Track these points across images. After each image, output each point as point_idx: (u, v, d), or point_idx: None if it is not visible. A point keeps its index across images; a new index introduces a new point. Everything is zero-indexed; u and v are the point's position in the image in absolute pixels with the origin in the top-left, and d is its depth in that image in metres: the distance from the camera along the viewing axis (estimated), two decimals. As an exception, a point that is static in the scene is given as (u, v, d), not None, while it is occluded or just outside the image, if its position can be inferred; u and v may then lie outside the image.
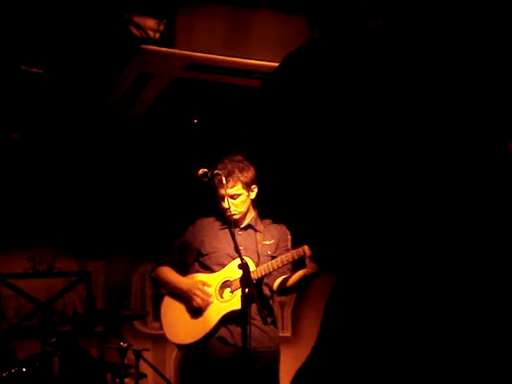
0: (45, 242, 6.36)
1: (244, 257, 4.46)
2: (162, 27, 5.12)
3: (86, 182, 6.45)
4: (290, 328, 7.15)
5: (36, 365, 4.82)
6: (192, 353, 4.57)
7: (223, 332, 4.49)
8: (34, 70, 5.53)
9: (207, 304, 4.52)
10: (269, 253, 4.57)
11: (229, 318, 4.47)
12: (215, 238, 4.66)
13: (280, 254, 4.58)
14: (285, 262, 4.42)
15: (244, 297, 4.09)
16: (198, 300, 4.52)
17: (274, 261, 4.46)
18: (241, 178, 4.55)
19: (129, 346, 5.14)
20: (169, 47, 5.10)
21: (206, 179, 4.36)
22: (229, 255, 4.59)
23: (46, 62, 5.52)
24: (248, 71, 5.36)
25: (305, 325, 7.16)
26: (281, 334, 7.00)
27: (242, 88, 5.61)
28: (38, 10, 4.95)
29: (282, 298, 7.05)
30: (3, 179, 6.21)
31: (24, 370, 4.73)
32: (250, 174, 4.56)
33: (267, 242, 4.62)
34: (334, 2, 4.96)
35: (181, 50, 5.10)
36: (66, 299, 6.16)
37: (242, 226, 4.70)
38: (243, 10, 5.25)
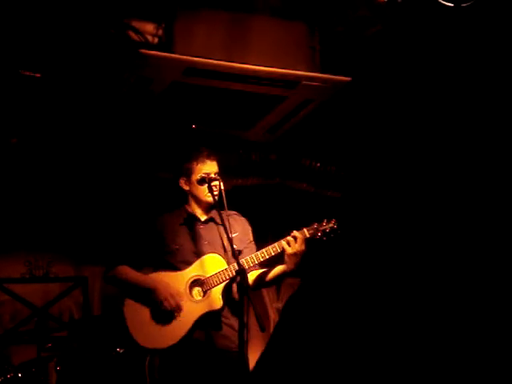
0: (41, 246, 6.34)
1: (213, 254, 4.42)
2: (160, 32, 5.12)
3: (83, 186, 6.43)
4: (287, 335, 7.11)
5: (32, 370, 4.80)
6: (169, 357, 4.35)
7: (197, 333, 4.34)
8: (33, 75, 5.53)
9: (179, 307, 4.33)
10: (235, 247, 4.32)
11: (204, 320, 4.33)
12: (176, 234, 4.50)
13: (246, 248, 4.50)
14: (267, 257, 4.34)
15: (240, 303, 4.05)
16: (171, 301, 4.30)
17: (255, 255, 4.35)
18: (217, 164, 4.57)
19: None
20: (167, 52, 5.09)
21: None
22: (193, 252, 4.45)
23: (45, 67, 5.51)
24: (246, 76, 5.35)
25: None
26: (278, 341, 7.04)
27: (241, 93, 5.60)
28: (37, 13, 4.94)
29: (279, 305, 7.04)
30: (1, 183, 6.19)
31: (20, 375, 4.72)
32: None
33: (230, 235, 4.33)
34: (333, 8, 4.95)
35: (179, 54, 5.09)
36: (62, 304, 6.13)
37: (203, 220, 4.57)
38: (242, 15, 5.24)
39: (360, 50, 5.61)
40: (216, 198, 4.41)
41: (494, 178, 6.04)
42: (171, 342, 4.31)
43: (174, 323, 4.33)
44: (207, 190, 4.44)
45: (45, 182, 6.32)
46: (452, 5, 4.63)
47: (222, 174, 4.54)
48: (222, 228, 4.40)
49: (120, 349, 5.09)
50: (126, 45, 5.05)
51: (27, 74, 5.52)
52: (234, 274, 4.28)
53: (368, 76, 5.78)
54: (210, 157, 4.54)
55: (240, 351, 3.99)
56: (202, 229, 4.53)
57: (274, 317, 7.04)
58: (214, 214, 4.56)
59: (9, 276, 5.87)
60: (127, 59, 5.09)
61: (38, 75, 5.55)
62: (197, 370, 4.33)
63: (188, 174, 4.54)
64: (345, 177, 6.97)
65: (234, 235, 4.36)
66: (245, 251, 4.50)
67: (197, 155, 4.54)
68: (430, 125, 6.30)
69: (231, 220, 4.38)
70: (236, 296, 4.40)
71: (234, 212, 4.59)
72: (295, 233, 4.35)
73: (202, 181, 4.47)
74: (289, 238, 4.34)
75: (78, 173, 6.37)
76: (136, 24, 5.10)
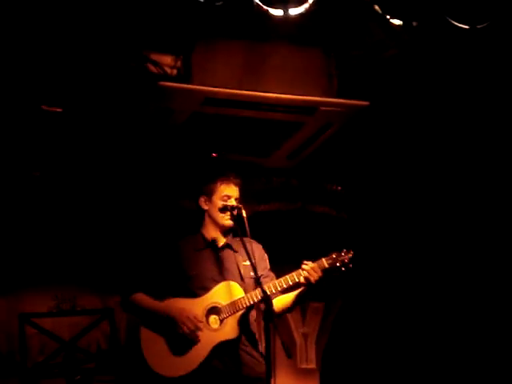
0: (68, 280, 6.36)
1: (230, 281, 4.35)
2: (178, 63, 5.16)
3: (107, 218, 6.46)
4: (314, 359, 7.09)
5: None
6: None
7: (214, 361, 4.28)
8: (54, 110, 5.59)
9: (198, 330, 4.27)
10: (251, 274, 4.32)
11: (221, 348, 4.27)
12: (193, 260, 4.45)
13: (265, 276, 4.41)
14: (287, 286, 4.30)
15: (266, 331, 4.04)
16: (188, 324, 4.24)
17: (278, 282, 4.29)
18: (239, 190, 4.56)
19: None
20: (186, 83, 5.14)
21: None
22: (212, 278, 4.39)
23: (66, 101, 5.57)
24: (265, 104, 5.38)
25: (329, 356, 7.11)
26: (305, 366, 7.02)
27: (260, 120, 5.63)
28: (58, 49, 5.00)
29: (305, 330, 7.02)
30: (25, 217, 6.24)
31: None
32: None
33: (247, 263, 4.35)
34: (349, 32, 4.99)
35: (198, 85, 5.14)
36: (90, 336, 6.14)
37: (220, 246, 4.53)
38: (258, 43, 5.28)
39: (377, 74, 5.63)
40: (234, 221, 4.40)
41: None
42: (189, 369, 4.25)
43: (191, 351, 4.27)
44: (229, 216, 4.44)
45: (68, 215, 6.35)
46: (467, 27, 4.64)
47: (244, 200, 4.56)
48: (237, 255, 4.42)
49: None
50: (145, 78, 5.10)
51: (49, 109, 5.58)
52: (259, 300, 4.23)
53: (386, 99, 5.80)
54: (234, 180, 4.54)
55: (267, 378, 3.98)
56: (219, 255, 4.49)
57: (299, 342, 7.02)
58: (230, 239, 4.54)
59: (37, 310, 5.89)
60: (147, 92, 5.14)
61: (59, 110, 5.61)
62: None
63: (209, 193, 4.52)
64: (351, 197, 6.98)
65: (249, 263, 4.32)
66: (261, 280, 4.35)
67: (221, 176, 4.54)
68: (448, 147, 6.30)
69: (248, 247, 4.34)
70: (253, 324, 4.44)
71: (249, 238, 4.49)
72: (314, 265, 4.29)
73: (223, 209, 4.45)
74: (308, 268, 4.28)
75: (101, 205, 6.41)
76: (155, 57, 5.16)
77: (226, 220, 4.46)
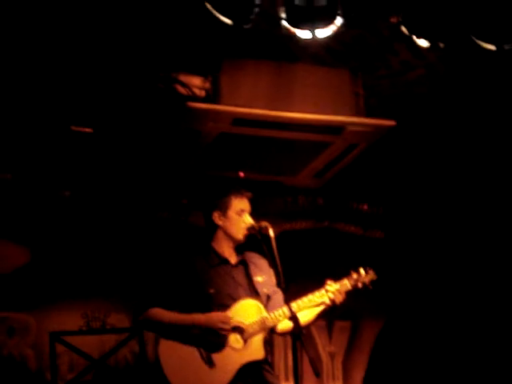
0: (97, 297, 6.40)
1: (250, 299, 4.25)
2: (207, 85, 5.20)
3: (136, 236, 6.50)
4: (340, 378, 7.08)
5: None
6: None
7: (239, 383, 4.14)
8: (84, 130, 5.65)
9: (240, 328, 4.15)
10: (265, 291, 4.26)
11: (246, 369, 4.15)
12: (210, 277, 4.29)
13: (274, 293, 4.31)
14: (313, 303, 4.25)
15: (293, 349, 4.04)
16: (228, 322, 4.12)
17: (301, 301, 4.21)
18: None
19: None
20: (214, 103, 5.18)
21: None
22: (230, 296, 4.25)
23: (95, 122, 5.63)
24: (292, 124, 5.41)
25: (355, 374, 7.09)
26: (332, 385, 7.02)
27: (287, 140, 5.66)
28: (89, 70, 5.06)
29: (332, 349, 7.02)
30: (55, 236, 6.30)
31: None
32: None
33: (259, 279, 4.28)
34: (375, 53, 5.02)
35: (226, 105, 5.18)
36: (119, 354, 6.17)
37: (233, 263, 4.40)
38: (286, 64, 5.31)
39: (404, 94, 5.65)
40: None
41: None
42: None
43: (215, 372, 4.11)
44: (242, 230, 4.34)
45: (98, 234, 6.40)
46: (494, 48, 4.64)
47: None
48: (250, 271, 4.32)
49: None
50: (174, 99, 5.15)
51: (78, 129, 5.65)
52: (286, 318, 4.14)
53: (413, 119, 5.81)
54: (246, 194, 4.44)
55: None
56: (233, 272, 4.36)
57: (326, 361, 7.01)
58: (242, 255, 4.42)
59: (66, 328, 5.93)
60: (176, 113, 5.19)
61: (89, 130, 5.67)
62: None
63: (224, 208, 4.38)
64: (387, 217, 6.98)
65: (261, 278, 4.31)
66: (273, 297, 4.33)
67: (234, 190, 4.44)
68: (474, 165, 6.29)
69: (258, 262, 4.32)
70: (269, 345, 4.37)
71: (256, 253, 4.43)
72: (338, 287, 4.27)
73: (251, 229, 4.33)
74: (333, 290, 4.24)
75: (129, 223, 6.45)
76: (183, 78, 5.20)
77: (241, 235, 4.35)
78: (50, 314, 6.26)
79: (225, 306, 4.23)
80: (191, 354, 4.15)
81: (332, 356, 7.06)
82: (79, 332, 6.01)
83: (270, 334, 4.34)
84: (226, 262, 4.38)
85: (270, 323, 4.22)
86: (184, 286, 4.28)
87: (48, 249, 6.29)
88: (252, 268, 4.30)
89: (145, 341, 5.65)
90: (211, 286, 4.27)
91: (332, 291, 4.24)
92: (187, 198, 6.52)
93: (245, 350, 4.17)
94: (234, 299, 4.26)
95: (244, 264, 4.39)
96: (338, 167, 6.18)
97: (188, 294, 4.28)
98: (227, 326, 4.15)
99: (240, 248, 4.41)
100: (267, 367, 4.28)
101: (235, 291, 4.29)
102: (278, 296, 4.28)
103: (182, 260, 4.40)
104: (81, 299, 6.32)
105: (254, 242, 4.32)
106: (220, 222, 4.39)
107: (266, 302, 4.29)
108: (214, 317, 4.16)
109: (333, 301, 4.25)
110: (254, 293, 4.30)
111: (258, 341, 4.21)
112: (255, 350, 4.19)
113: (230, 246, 4.41)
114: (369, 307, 6.91)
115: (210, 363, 4.14)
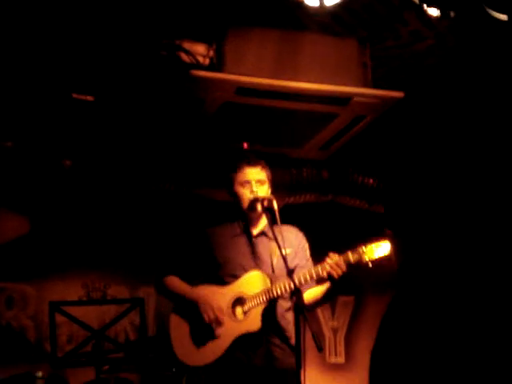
0: (98, 268, 6.38)
1: (257, 271, 4.26)
2: (211, 52, 5.12)
3: (138, 207, 6.46)
4: (343, 354, 7.05)
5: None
6: (212, 377, 4.24)
7: (238, 353, 4.22)
8: (85, 98, 5.58)
9: (218, 321, 4.21)
10: (288, 263, 4.12)
11: (243, 339, 4.20)
12: (225, 247, 4.37)
13: (298, 265, 4.33)
14: (314, 278, 4.19)
15: (296, 323, 3.97)
16: (210, 315, 4.20)
17: (303, 275, 4.16)
18: (267, 170, 4.46)
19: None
20: (218, 72, 5.09)
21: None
22: (242, 266, 4.31)
23: (97, 90, 5.56)
24: (298, 94, 5.32)
25: (358, 350, 7.06)
26: (334, 361, 6.99)
27: (293, 111, 5.58)
28: (89, 37, 4.99)
29: (335, 324, 6.98)
30: (56, 206, 6.26)
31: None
32: (271, 173, 4.48)
33: (283, 252, 4.14)
34: (384, 22, 4.90)
35: (230, 74, 5.09)
36: (118, 325, 6.14)
37: (255, 234, 4.44)
38: (292, 32, 5.21)
39: (412, 65, 5.56)
40: (263, 201, 4.29)
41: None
42: (208, 361, 4.21)
43: (212, 342, 4.22)
44: (246, 202, 4.34)
45: (99, 204, 6.36)
46: (506, 18, 4.55)
47: (274, 191, 4.47)
48: (273, 244, 4.22)
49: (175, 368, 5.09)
50: (177, 66, 5.07)
51: (79, 97, 5.58)
52: (287, 292, 4.14)
53: (421, 91, 5.72)
54: (252, 161, 4.44)
55: (297, 371, 3.89)
56: (253, 242, 4.39)
57: (329, 335, 6.98)
58: (266, 228, 4.40)
59: (66, 299, 5.91)
60: (179, 81, 5.11)
61: (91, 98, 5.61)
62: None
63: (232, 180, 4.44)
64: (388, 190, 6.90)
65: (287, 251, 4.18)
66: (298, 270, 4.29)
67: (240, 162, 4.45)
68: (483, 138, 6.21)
69: (286, 234, 4.23)
70: (282, 316, 4.31)
71: (291, 226, 4.45)
72: (338, 259, 4.16)
73: (254, 201, 4.31)
74: (331, 263, 4.16)
75: (131, 194, 6.41)
76: (187, 45, 5.12)
77: (247, 206, 4.35)
78: (50, 285, 6.26)
79: (235, 277, 4.29)
80: (194, 325, 4.26)
81: (335, 331, 7.03)
82: (79, 302, 5.99)
83: (272, 306, 4.26)
84: (247, 232, 4.42)
85: (268, 296, 4.21)
86: (199, 256, 4.39)
87: (48, 218, 6.27)
88: (279, 240, 4.17)
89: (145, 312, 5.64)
90: (224, 256, 4.35)
91: (331, 264, 4.16)
92: (190, 169, 6.47)
93: (243, 322, 4.22)
94: (246, 270, 4.30)
95: (266, 236, 4.39)
96: (344, 139, 6.11)
97: (202, 263, 4.38)
98: (207, 318, 4.21)
99: (273, 219, 4.26)
100: (277, 342, 4.26)
101: (249, 262, 4.33)
102: (303, 270, 4.24)
103: (198, 231, 4.49)
104: (81, 269, 6.32)
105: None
106: (236, 194, 4.45)
107: (286, 276, 4.15)
108: (207, 302, 4.23)
109: (330, 273, 4.17)
110: (269, 265, 4.31)
111: (256, 313, 4.22)
112: (252, 322, 4.21)
113: (253, 217, 4.43)
114: (373, 282, 6.86)
115: (209, 335, 4.22)
